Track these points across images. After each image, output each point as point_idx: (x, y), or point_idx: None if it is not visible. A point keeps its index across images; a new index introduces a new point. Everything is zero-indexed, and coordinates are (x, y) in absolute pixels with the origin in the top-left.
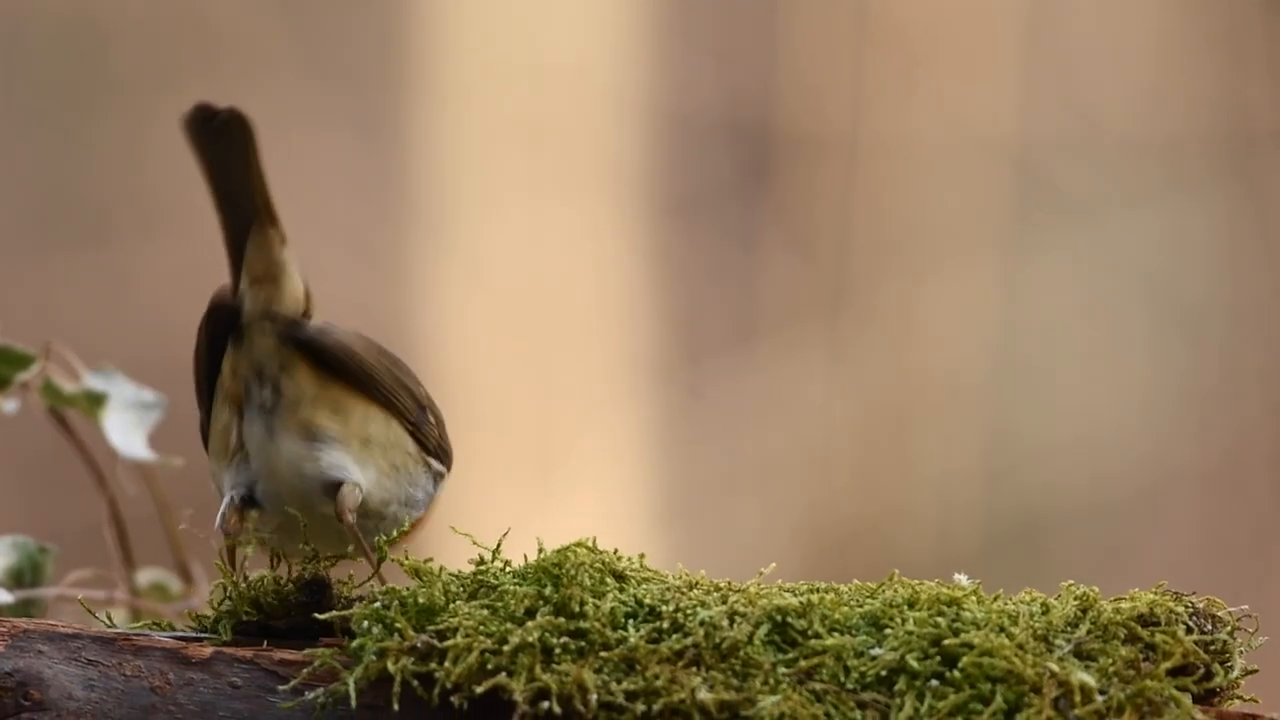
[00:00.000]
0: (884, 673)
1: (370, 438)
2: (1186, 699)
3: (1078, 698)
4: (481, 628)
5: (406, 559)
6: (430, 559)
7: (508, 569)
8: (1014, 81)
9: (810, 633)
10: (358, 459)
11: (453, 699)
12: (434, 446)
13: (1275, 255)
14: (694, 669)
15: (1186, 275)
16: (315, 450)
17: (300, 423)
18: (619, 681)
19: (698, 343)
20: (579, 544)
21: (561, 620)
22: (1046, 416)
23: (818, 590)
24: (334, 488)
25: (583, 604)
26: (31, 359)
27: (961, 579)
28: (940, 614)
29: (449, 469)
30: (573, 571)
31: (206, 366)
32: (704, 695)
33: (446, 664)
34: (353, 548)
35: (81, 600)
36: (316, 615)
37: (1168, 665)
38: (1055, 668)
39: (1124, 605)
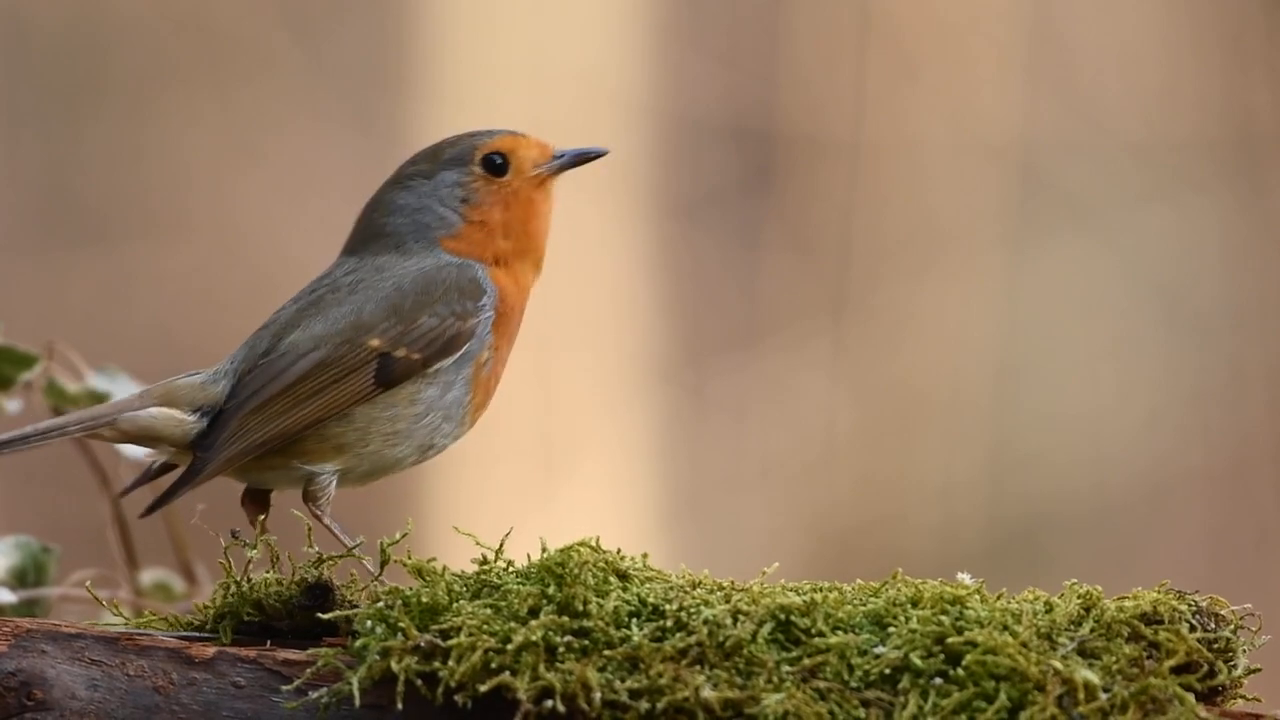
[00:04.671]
0: (888, 671)
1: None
2: (1190, 697)
3: (1081, 695)
4: (485, 627)
5: (410, 559)
6: (433, 559)
7: (511, 568)
8: (1017, 83)
9: (814, 631)
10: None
11: (456, 698)
12: (417, 363)
13: (1276, 256)
14: (698, 667)
15: (1190, 277)
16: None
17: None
18: (623, 680)
19: (701, 343)
20: (582, 543)
21: (565, 619)
22: (1050, 417)
23: (821, 589)
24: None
25: (586, 603)
26: (35, 359)
27: (965, 578)
28: (944, 612)
29: (453, 350)
30: (576, 571)
31: None
32: (708, 693)
33: (450, 663)
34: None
35: (89, 587)
36: (320, 615)
37: (1171, 663)
38: (1059, 665)
39: (1127, 604)
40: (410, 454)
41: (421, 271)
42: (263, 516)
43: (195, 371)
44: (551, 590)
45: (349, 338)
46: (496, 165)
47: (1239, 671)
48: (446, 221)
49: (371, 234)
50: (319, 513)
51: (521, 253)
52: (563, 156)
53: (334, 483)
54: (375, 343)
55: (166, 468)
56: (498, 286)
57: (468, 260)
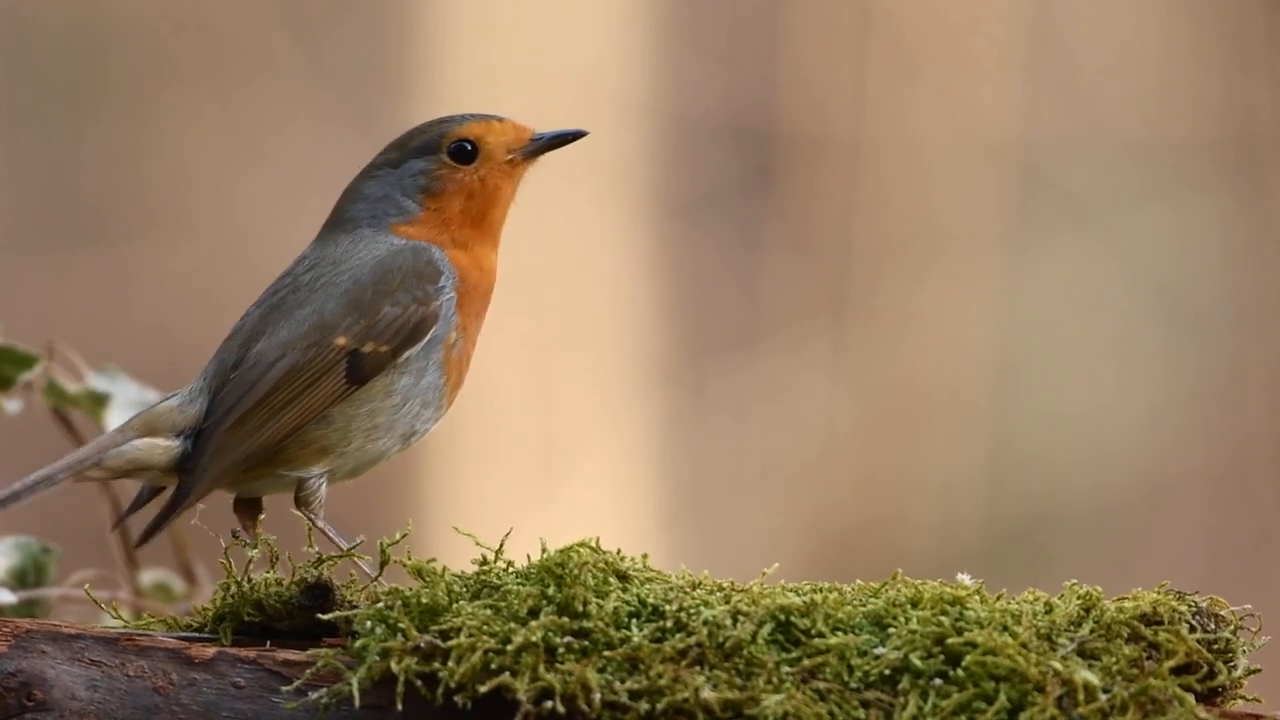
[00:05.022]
0: (887, 671)
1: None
2: (1190, 697)
3: (1081, 696)
4: (485, 627)
5: (409, 559)
6: (433, 559)
7: (511, 569)
8: (1017, 83)
9: (814, 632)
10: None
11: (456, 699)
12: (386, 355)
13: (1276, 256)
14: (697, 668)
15: (1190, 277)
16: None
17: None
18: (622, 681)
19: (701, 343)
20: (582, 544)
21: (565, 620)
22: (1050, 417)
23: (821, 590)
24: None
25: (586, 604)
26: (35, 359)
27: (964, 578)
28: (943, 613)
29: (421, 335)
30: (576, 571)
31: None
32: (707, 694)
33: (450, 664)
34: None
35: (88, 590)
36: (320, 616)
37: (1171, 664)
38: (1059, 666)
39: (1127, 604)
40: (394, 444)
41: (376, 260)
42: (261, 517)
43: (171, 394)
44: (551, 591)
45: (315, 340)
46: (465, 153)
47: (1239, 672)
48: (404, 209)
49: (337, 221)
50: (313, 516)
51: (477, 240)
52: (540, 139)
53: (324, 485)
54: (342, 341)
55: (157, 490)
56: (456, 267)
57: (421, 243)
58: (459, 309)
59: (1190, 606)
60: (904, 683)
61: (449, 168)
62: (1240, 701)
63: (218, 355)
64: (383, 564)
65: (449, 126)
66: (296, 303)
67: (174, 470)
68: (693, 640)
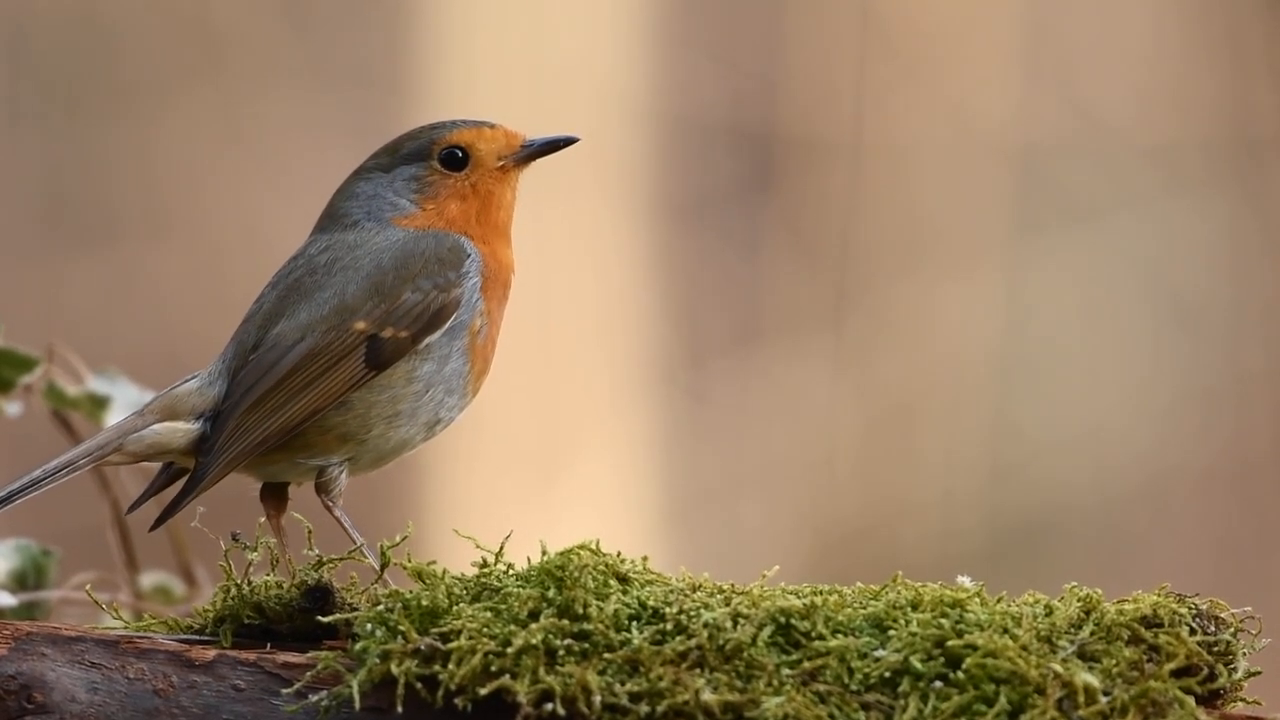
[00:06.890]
0: (888, 674)
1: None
2: (1190, 700)
3: (1081, 699)
4: (485, 630)
5: (410, 562)
6: (433, 561)
7: (511, 571)
8: (1016, 84)
9: (814, 634)
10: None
11: (456, 701)
12: (406, 341)
13: (1277, 256)
14: (698, 670)
15: (1189, 275)
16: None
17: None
18: (623, 683)
19: (702, 344)
20: (582, 546)
21: (565, 622)
22: (1050, 418)
23: (821, 592)
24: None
25: (586, 606)
26: (35, 362)
27: (965, 581)
28: (944, 615)
29: (440, 322)
30: (576, 574)
31: None
32: (708, 696)
33: (450, 666)
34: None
35: (88, 590)
36: (320, 618)
37: (1171, 666)
38: (1059, 669)
39: (1127, 607)
40: (417, 433)
41: (399, 245)
42: (281, 515)
43: (191, 376)
44: (551, 593)
45: (335, 323)
46: (456, 159)
47: (1239, 674)
48: (400, 207)
49: (333, 216)
50: (330, 504)
51: (486, 236)
52: (531, 145)
53: (344, 473)
54: (361, 325)
55: (174, 475)
56: (480, 253)
57: (444, 230)
58: (484, 295)
59: (1190, 609)
60: (904, 685)
61: (440, 174)
62: (1240, 704)
63: (236, 337)
64: (383, 566)
65: (440, 133)
66: (315, 285)
67: (193, 453)
68: (693, 643)
